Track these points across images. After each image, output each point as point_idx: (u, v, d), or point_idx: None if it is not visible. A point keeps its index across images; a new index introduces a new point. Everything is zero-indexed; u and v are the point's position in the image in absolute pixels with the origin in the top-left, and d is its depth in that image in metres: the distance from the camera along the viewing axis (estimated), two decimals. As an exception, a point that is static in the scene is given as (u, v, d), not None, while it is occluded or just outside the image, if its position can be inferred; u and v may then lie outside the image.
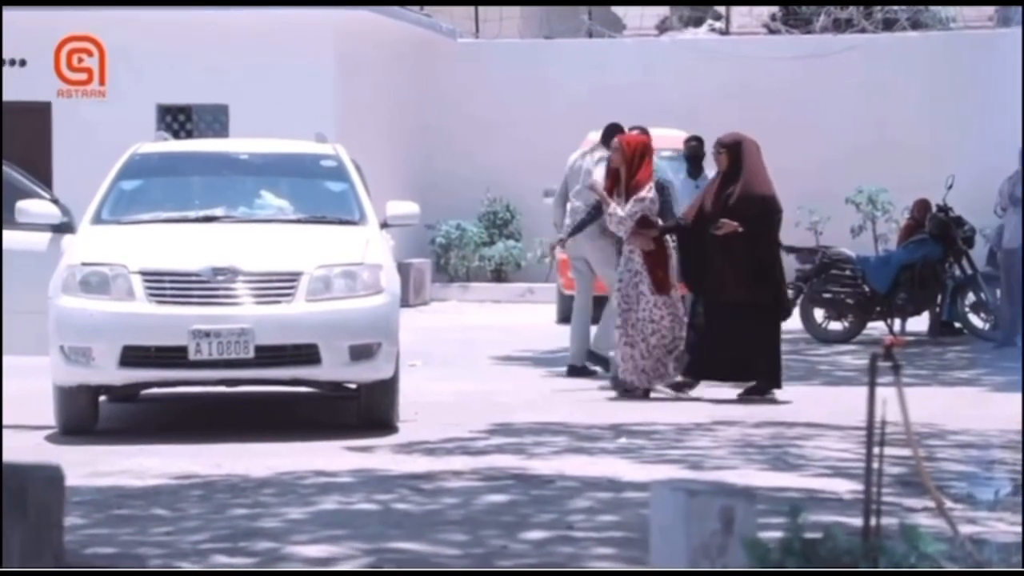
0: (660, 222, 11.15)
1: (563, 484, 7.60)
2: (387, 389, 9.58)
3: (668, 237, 11.17)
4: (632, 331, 10.98)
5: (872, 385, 4.33)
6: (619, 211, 11.19)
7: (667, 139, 19.22)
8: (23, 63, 19.44)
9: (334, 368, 9.33)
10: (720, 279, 10.80)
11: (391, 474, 7.92)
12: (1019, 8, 20.88)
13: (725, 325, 10.74)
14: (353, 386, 9.76)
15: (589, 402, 10.89)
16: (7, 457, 4.01)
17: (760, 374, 10.86)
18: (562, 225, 12.43)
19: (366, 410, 9.64)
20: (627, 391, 10.99)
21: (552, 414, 10.25)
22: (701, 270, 10.92)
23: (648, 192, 11.14)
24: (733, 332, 10.69)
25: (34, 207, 10.09)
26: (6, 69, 19.39)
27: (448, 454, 8.67)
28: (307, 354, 9.27)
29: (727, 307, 10.76)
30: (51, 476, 3.78)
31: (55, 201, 10.29)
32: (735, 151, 11.03)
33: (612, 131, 12.58)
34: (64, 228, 10.09)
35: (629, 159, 11.26)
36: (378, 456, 8.60)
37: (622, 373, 11.00)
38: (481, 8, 23.51)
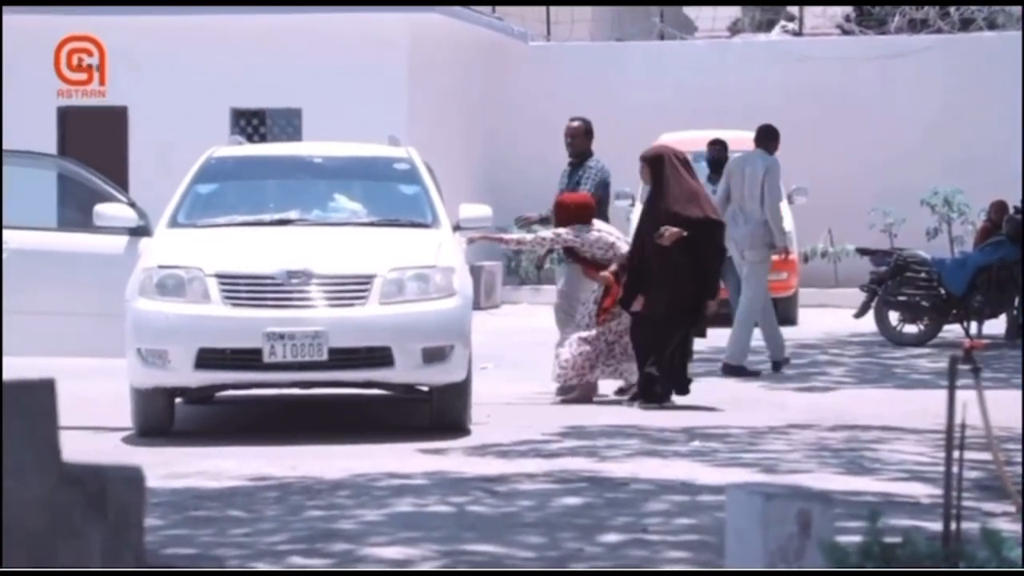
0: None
1: (637, 487, 7.59)
2: (459, 391, 9.59)
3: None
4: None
5: (952, 388, 4.29)
6: (528, 236, 11.38)
7: (740, 141, 19.18)
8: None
9: (407, 370, 9.36)
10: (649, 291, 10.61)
11: (465, 476, 7.93)
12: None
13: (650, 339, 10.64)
14: (425, 388, 9.79)
15: (660, 405, 10.84)
16: (87, 458, 4.05)
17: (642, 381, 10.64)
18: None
19: (438, 412, 9.66)
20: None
21: (624, 416, 10.23)
22: (637, 285, 10.66)
23: (565, 232, 11.10)
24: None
25: (111, 210, 10.18)
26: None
27: (521, 456, 8.66)
28: (380, 356, 9.30)
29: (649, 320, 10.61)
30: (131, 477, 3.80)
31: (132, 204, 10.38)
32: (655, 165, 10.83)
33: (767, 132, 12.91)
34: (141, 231, 10.18)
35: (565, 221, 11.21)
36: (451, 458, 8.61)
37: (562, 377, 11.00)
38: (552, 11, 23.51)
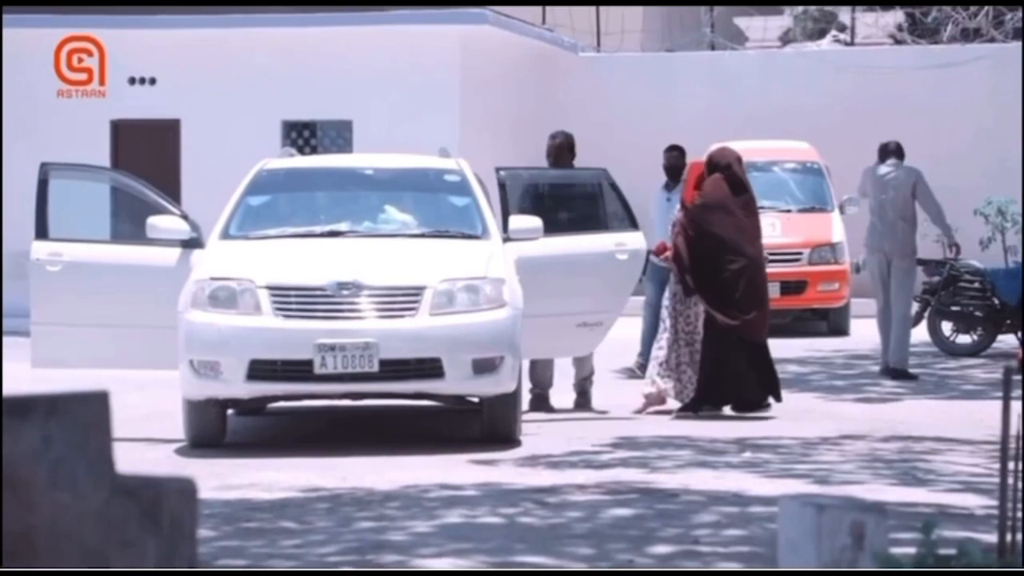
0: None
1: (688, 498, 7.56)
2: (510, 402, 9.59)
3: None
4: (689, 350, 10.85)
5: (1007, 398, 4.25)
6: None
7: (791, 151, 19.11)
8: (153, 81, 19.77)
9: (457, 382, 9.37)
10: None
11: (515, 487, 7.92)
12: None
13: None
14: (475, 400, 9.79)
15: (711, 416, 10.81)
16: (140, 470, 4.06)
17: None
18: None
19: (489, 423, 9.66)
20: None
21: (675, 427, 10.20)
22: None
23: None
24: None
25: (164, 223, 10.23)
26: (136, 87, 19.73)
27: (572, 467, 8.65)
28: (431, 368, 9.31)
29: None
30: (184, 488, 3.80)
31: (184, 217, 10.43)
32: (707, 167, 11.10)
33: (900, 146, 13.17)
34: (193, 243, 10.22)
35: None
36: (502, 469, 8.61)
37: (678, 396, 10.85)
38: (603, 22, 23.50)
